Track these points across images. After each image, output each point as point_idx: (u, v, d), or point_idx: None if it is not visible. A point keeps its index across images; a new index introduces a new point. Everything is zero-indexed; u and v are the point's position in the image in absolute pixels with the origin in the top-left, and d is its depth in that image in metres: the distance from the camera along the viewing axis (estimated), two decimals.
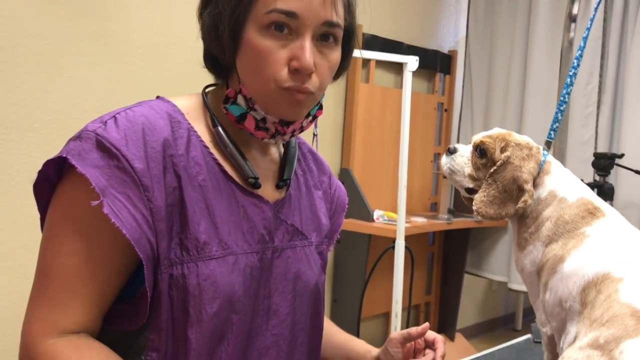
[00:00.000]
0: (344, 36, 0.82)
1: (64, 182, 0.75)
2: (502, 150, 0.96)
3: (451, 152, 1.03)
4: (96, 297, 0.74)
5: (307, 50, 0.76)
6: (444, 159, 1.03)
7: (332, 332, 1.06)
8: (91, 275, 0.73)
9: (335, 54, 0.81)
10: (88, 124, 0.75)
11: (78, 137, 0.74)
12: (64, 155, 0.72)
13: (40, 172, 0.75)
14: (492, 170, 0.96)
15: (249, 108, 0.81)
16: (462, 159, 1.02)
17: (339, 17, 0.78)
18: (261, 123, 0.81)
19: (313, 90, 0.79)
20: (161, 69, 2.22)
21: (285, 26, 0.76)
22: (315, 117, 0.87)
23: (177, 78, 2.24)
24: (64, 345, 0.71)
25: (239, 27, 0.78)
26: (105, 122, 0.74)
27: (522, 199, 0.92)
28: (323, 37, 0.78)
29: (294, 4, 0.75)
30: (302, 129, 0.86)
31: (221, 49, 0.81)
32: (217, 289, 0.76)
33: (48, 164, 0.74)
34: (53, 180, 0.76)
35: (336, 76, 0.89)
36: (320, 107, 0.87)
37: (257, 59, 0.77)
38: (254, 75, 0.79)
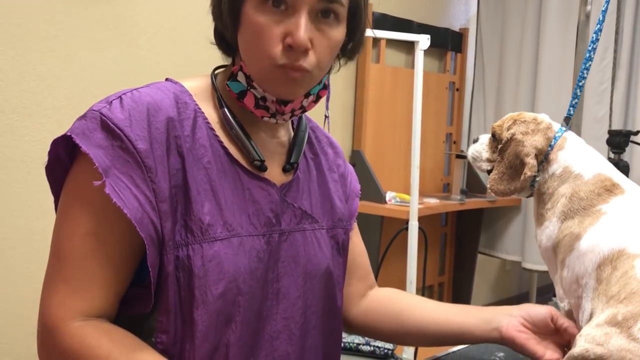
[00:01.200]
0: (349, 13, 0.80)
1: (75, 163, 0.75)
2: (508, 128, 0.99)
3: (474, 141, 1.09)
4: (113, 280, 0.74)
5: (302, 26, 0.74)
6: (469, 149, 1.09)
7: (426, 312, 1.00)
8: (107, 257, 0.73)
9: (336, 32, 0.79)
10: (95, 103, 0.76)
11: (84, 116, 0.75)
12: (69, 134, 0.73)
13: (50, 153, 0.76)
14: (499, 148, 0.99)
15: (249, 85, 0.81)
16: (482, 145, 1.06)
17: None
18: (261, 101, 0.81)
19: (308, 68, 0.77)
20: (171, 52, 2.22)
21: (282, 2, 0.75)
22: (319, 97, 0.86)
23: (186, 61, 2.23)
24: (92, 329, 0.72)
25: (238, 3, 0.78)
26: (111, 102, 0.75)
27: (523, 172, 0.94)
28: (324, 14, 0.77)
29: None
30: (303, 109, 0.85)
31: (224, 25, 0.81)
32: (222, 269, 0.76)
33: (55, 144, 0.75)
34: (65, 161, 0.76)
35: (349, 56, 0.88)
36: (325, 87, 0.86)
37: (253, 35, 0.77)
38: (251, 51, 0.78)
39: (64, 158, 0.76)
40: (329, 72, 0.87)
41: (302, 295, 0.86)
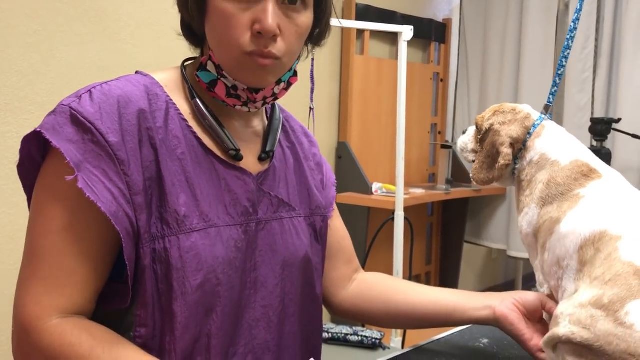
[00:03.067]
0: (316, 1, 0.81)
1: (47, 159, 0.74)
2: (488, 119, 1.01)
3: (463, 133, 1.11)
4: (91, 276, 0.73)
5: (269, 12, 0.74)
6: (458, 140, 1.11)
7: (416, 293, 1.02)
8: (84, 252, 0.72)
9: (304, 18, 0.79)
10: (64, 98, 0.75)
11: (53, 111, 0.74)
12: (38, 130, 0.72)
13: (21, 151, 0.75)
14: (479, 139, 1.01)
15: (219, 75, 0.80)
16: (468, 137, 1.08)
17: None
18: (232, 90, 0.81)
19: (278, 55, 0.77)
20: (153, 46, 2.21)
21: None
22: (289, 85, 0.86)
23: (169, 54, 2.22)
24: (71, 326, 0.71)
25: None
26: (80, 96, 0.74)
27: (498, 160, 0.96)
28: (291, 1, 0.77)
29: None
30: (275, 97, 0.85)
31: (191, 15, 0.81)
32: (200, 260, 0.76)
33: (26, 141, 0.74)
34: (37, 159, 0.75)
35: (316, 42, 0.88)
36: (295, 74, 0.86)
37: (221, 24, 0.76)
38: (219, 40, 0.78)
39: (35, 155, 0.75)
40: (298, 59, 0.87)
41: (279, 284, 0.87)
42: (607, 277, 0.77)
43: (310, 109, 1.94)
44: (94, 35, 2.05)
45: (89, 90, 0.75)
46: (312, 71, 1.03)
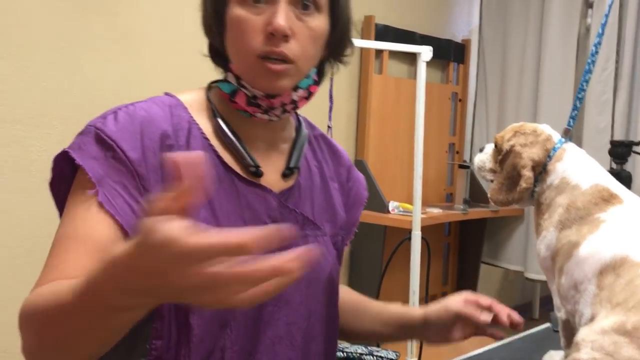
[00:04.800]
0: (330, 5, 0.82)
1: (75, 176, 0.77)
2: (509, 140, 1.00)
3: (480, 150, 1.09)
4: (95, 254, 0.72)
5: (280, 12, 0.76)
6: (475, 158, 1.10)
7: (366, 302, 1.07)
8: (104, 243, 0.72)
9: (318, 22, 0.80)
10: (92, 119, 0.79)
11: (81, 132, 0.78)
12: (66, 150, 0.76)
13: (53, 170, 0.79)
14: (499, 159, 1.01)
15: (239, 85, 0.82)
16: (486, 155, 1.09)
17: None
18: (252, 99, 0.82)
19: (290, 56, 0.78)
20: (175, 64, 2.24)
21: None
22: (310, 93, 0.86)
23: (190, 72, 2.25)
24: (43, 288, 0.71)
25: (221, 8, 0.80)
26: (106, 117, 0.78)
27: (519, 183, 0.96)
28: (304, 7, 0.78)
29: None
30: (294, 104, 0.85)
31: (212, 33, 0.84)
32: None
33: (57, 161, 0.78)
34: (68, 177, 0.78)
35: (336, 52, 0.88)
36: (316, 83, 0.86)
37: (236, 30, 0.79)
38: (235, 47, 0.80)
39: (67, 174, 0.78)
40: (322, 76, 0.88)
41: (304, 302, 0.87)
42: (630, 303, 0.76)
43: (329, 127, 1.95)
44: (118, 53, 2.09)
45: (115, 112, 0.79)
46: (330, 90, 1.04)
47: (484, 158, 1.07)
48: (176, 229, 0.47)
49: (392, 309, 1.05)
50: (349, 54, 0.90)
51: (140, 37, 2.15)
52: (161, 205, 0.49)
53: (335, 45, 0.87)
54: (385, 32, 2.98)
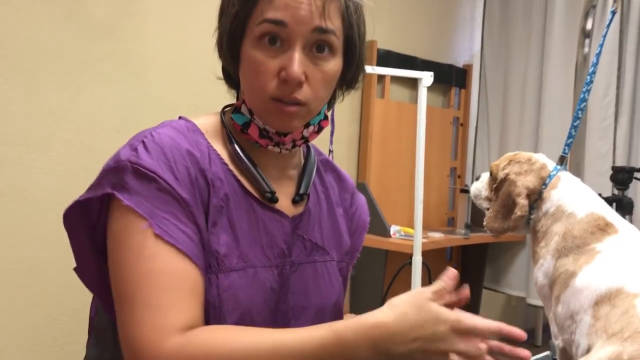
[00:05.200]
0: (344, 47, 0.83)
1: (115, 216, 0.76)
2: (503, 168, 1.01)
3: (477, 179, 1.10)
4: (196, 292, 0.74)
5: (295, 60, 0.77)
6: (472, 186, 1.10)
7: None
8: (183, 272, 0.74)
9: (331, 65, 0.81)
10: (120, 152, 0.78)
11: (115, 168, 0.76)
12: (110, 192, 0.75)
13: (80, 203, 0.77)
14: (494, 187, 1.02)
15: (252, 117, 0.84)
16: (482, 184, 1.10)
17: (332, 25, 0.79)
18: (264, 132, 0.84)
19: (303, 100, 0.79)
20: (177, 87, 2.26)
21: (277, 38, 0.78)
22: (321, 128, 0.87)
23: (193, 96, 2.27)
24: (200, 333, 0.71)
25: (237, 42, 0.81)
26: (136, 148, 0.77)
27: (514, 211, 0.96)
28: (318, 49, 0.79)
29: (282, 13, 0.77)
30: (305, 139, 0.87)
31: (227, 63, 0.85)
32: (238, 300, 0.78)
33: (93, 198, 0.76)
34: (94, 211, 0.77)
35: (349, 85, 0.90)
36: (326, 118, 0.88)
37: (251, 71, 0.80)
38: (250, 86, 0.82)
39: (93, 208, 0.77)
40: (332, 103, 0.89)
41: None
42: (626, 333, 0.76)
43: (330, 151, 1.95)
44: (120, 76, 2.11)
45: (142, 141, 0.78)
46: (332, 114, 1.05)
47: (479, 186, 1.08)
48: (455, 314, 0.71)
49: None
50: (360, 81, 0.91)
51: (143, 61, 2.17)
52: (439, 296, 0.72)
53: (350, 82, 0.89)
54: (387, 57, 3.01)
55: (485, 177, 1.08)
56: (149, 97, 2.18)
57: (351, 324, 0.70)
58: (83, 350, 0.89)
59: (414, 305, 0.70)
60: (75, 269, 0.83)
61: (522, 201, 0.96)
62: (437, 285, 0.74)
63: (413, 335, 0.68)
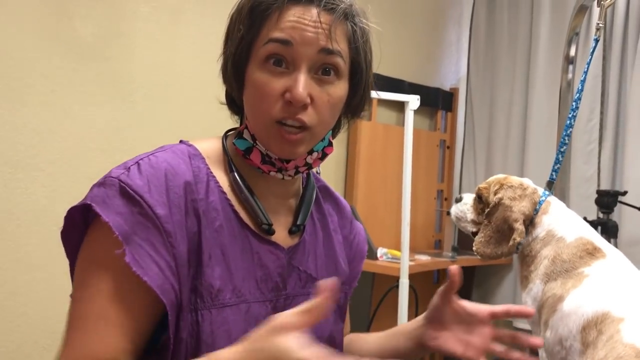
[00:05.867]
0: (350, 71, 0.82)
1: (91, 229, 0.75)
2: (495, 192, 1.01)
3: (457, 200, 1.10)
4: (130, 329, 0.72)
5: (300, 82, 0.76)
6: (452, 208, 1.10)
7: (365, 343, 1.02)
8: (124, 309, 0.72)
9: (337, 88, 0.80)
10: (112, 169, 0.76)
11: (102, 183, 0.75)
12: (89, 202, 0.73)
13: (66, 219, 0.76)
14: (486, 212, 1.01)
15: (254, 143, 0.82)
16: (466, 206, 1.09)
17: (338, 46, 0.78)
18: (267, 157, 0.82)
19: (307, 123, 0.78)
20: (166, 109, 2.25)
21: (283, 60, 0.77)
22: (325, 154, 0.86)
23: (181, 117, 2.26)
24: None
25: (242, 65, 0.80)
26: (129, 168, 0.75)
27: (512, 237, 0.95)
28: (324, 72, 0.78)
29: (288, 34, 0.76)
30: (309, 166, 0.86)
31: (231, 86, 0.84)
32: (230, 336, 0.76)
33: (73, 211, 0.75)
34: (80, 226, 0.76)
35: (355, 112, 0.89)
36: (330, 144, 0.87)
37: (255, 93, 0.79)
38: (253, 109, 0.80)
39: (78, 222, 0.76)
40: (337, 131, 0.88)
41: None
42: (610, 359, 0.76)
43: (317, 172, 1.95)
44: (108, 97, 2.11)
45: (137, 162, 0.77)
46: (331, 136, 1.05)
47: (464, 209, 1.08)
48: (295, 341, 0.61)
49: (389, 348, 1.00)
50: (366, 109, 0.90)
51: (131, 82, 2.17)
52: (292, 320, 0.64)
53: (355, 108, 0.88)
54: (374, 80, 3.03)
55: (469, 198, 1.08)
56: (136, 118, 2.17)
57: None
58: None
59: (265, 342, 0.63)
60: (71, 296, 0.81)
61: (520, 227, 0.96)
62: (302, 307, 0.66)
63: None
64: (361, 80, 0.85)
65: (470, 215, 1.06)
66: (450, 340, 0.88)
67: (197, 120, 2.16)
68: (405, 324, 0.99)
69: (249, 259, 0.81)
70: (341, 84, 0.81)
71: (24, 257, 1.88)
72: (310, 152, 0.84)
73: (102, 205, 0.72)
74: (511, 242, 0.95)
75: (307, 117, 0.78)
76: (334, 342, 0.91)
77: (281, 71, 0.77)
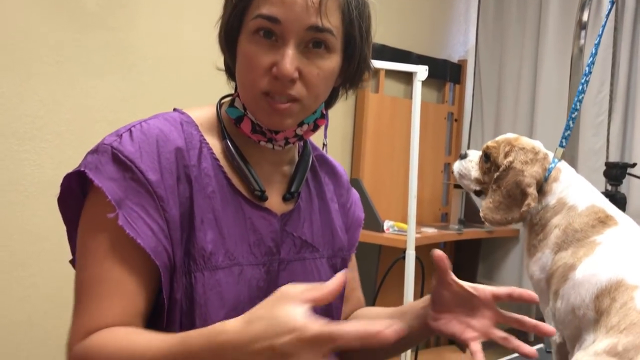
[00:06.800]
0: (344, 43, 0.81)
1: (88, 197, 0.77)
2: (506, 155, 0.98)
3: (462, 157, 1.07)
4: (136, 292, 0.74)
5: (287, 56, 0.75)
6: (456, 164, 1.06)
7: (371, 314, 1.02)
8: (127, 271, 0.73)
9: (328, 62, 0.79)
10: (105, 137, 0.77)
11: (95, 150, 0.76)
12: (82, 169, 0.74)
13: (62, 186, 0.77)
14: (496, 176, 0.98)
15: (245, 112, 0.83)
16: (471, 163, 1.06)
17: (328, 23, 0.77)
18: (257, 127, 0.83)
19: (296, 96, 0.78)
20: (171, 79, 2.24)
21: (272, 33, 0.76)
22: (317, 126, 0.86)
23: (186, 88, 2.25)
24: (90, 340, 0.71)
25: (233, 35, 0.80)
26: (121, 135, 0.76)
27: (526, 202, 0.93)
28: (315, 45, 0.78)
29: (276, 10, 0.75)
30: (299, 137, 0.85)
31: (226, 55, 0.85)
32: (223, 298, 0.77)
33: (68, 178, 0.76)
34: (77, 193, 0.77)
35: (352, 82, 0.88)
36: (323, 116, 0.87)
37: (244, 64, 0.79)
38: (242, 80, 0.81)
39: (75, 189, 0.78)
40: (332, 102, 0.88)
41: None
42: (622, 326, 0.76)
43: (324, 145, 1.94)
44: (113, 67, 2.09)
45: (129, 129, 0.78)
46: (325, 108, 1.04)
47: (468, 166, 1.04)
48: (301, 316, 0.59)
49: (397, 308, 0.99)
50: (366, 78, 0.89)
51: (137, 52, 2.15)
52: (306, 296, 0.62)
53: (350, 77, 0.87)
54: (382, 52, 3.00)
55: (474, 155, 1.04)
56: (141, 88, 2.16)
57: (201, 330, 0.65)
58: None
59: (266, 311, 0.61)
60: (71, 262, 0.82)
61: (534, 192, 0.93)
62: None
63: (255, 347, 0.59)
64: (355, 52, 0.84)
65: (474, 173, 1.02)
66: (451, 322, 0.86)
67: (203, 90, 2.15)
68: (412, 302, 0.99)
69: (241, 224, 0.82)
70: (333, 57, 0.80)
71: (32, 228, 1.89)
72: (301, 124, 0.84)
73: (95, 172, 0.74)
74: (524, 207, 0.92)
75: (296, 91, 0.78)
76: (329, 305, 0.91)
77: (271, 43, 0.77)
